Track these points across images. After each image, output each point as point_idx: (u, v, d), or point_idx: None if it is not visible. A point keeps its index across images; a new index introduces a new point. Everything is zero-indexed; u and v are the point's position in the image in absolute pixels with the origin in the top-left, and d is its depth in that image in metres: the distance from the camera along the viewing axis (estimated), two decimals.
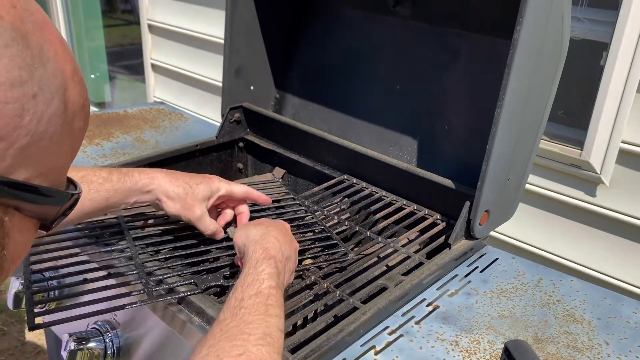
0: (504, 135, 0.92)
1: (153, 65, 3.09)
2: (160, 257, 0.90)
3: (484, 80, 1.12)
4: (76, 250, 0.89)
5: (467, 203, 0.98)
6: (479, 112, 1.12)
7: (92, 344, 0.88)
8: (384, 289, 0.91)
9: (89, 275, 0.84)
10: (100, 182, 0.85)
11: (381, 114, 1.29)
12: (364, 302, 0.86)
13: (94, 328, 0.90)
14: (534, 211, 1.76)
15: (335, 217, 1.09)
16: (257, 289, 0.68)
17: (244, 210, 0.99)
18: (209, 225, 0.92)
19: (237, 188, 0.97)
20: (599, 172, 1.56)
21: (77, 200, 0.45)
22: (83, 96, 0.42)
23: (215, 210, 0.98)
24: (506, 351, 0.66)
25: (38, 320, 0.74)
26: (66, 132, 0.40)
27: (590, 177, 1.59)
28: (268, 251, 0.76)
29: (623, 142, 1.51)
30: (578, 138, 1.60)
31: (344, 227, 1.08)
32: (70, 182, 0.45)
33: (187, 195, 0.89)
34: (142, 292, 0.81)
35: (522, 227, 1.77)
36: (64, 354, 0.85)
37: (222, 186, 0.94)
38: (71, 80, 0.40)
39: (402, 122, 1.25)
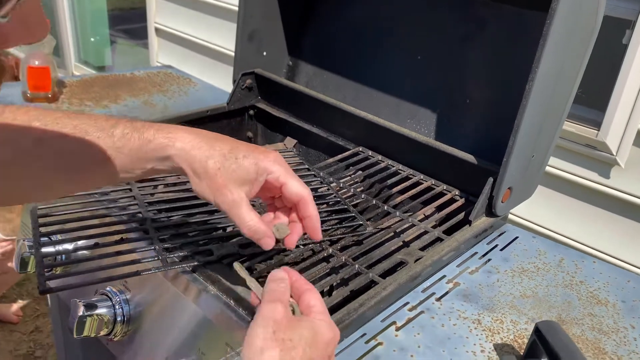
0: (533, 110, 0.89)
1: (157, 30, 3.02)
2: (174, 224, 0.87)
3: (509, 53, 1.08)
4: (86, 214, 0.86)
5: (490, 179, 0.95)
6: (503, 86, 1.08)
7: (101, 310, 0.85)
8: (401, 264, 0.89)
9: (100, 240, 0.82)
10: (98, 135, 0.61)
11: (399, 85, 1.25)
12: (382, 276, 0.83)
13: (103, 294, 0.88)
14: (544, 191, 1.73)
15: (352, 189, 1.06)
16: None
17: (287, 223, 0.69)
18: (247, 220, 0.63)
19: (296, 184, 0.65)
20: (614, 153, 1.54)
21: None
22: None
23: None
24: (537, 332, 0.64)
25: (49, 284, 0.72)
26: None
27: (605, 159, 1.56)
28: None
29: None
30: (595, 118, 1.57)
31: (360, 200, 1.05)
32: None
33: (219, 171, 0.62)
34: (155, 259, 0.78)
35: (532, 207, 1.75)
36: (73, 320, 0.83)
37: (276, 169, 0.64)
38: None
39: (421, 94, 1.21)
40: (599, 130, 1.54)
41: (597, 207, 1.64)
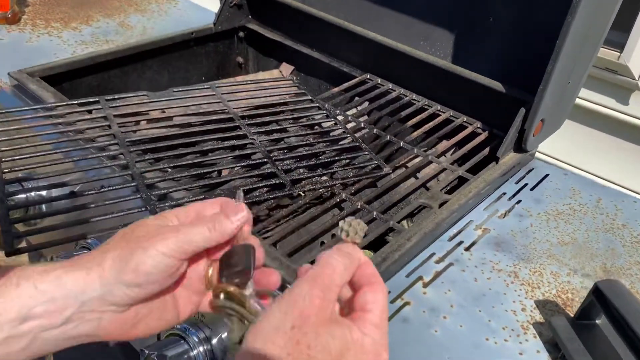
0: (576, 29, 0.76)
1: None
2: (161, 167, 0.75)
3: None
4: (59, 156, 0.74)
5: (522, 110, 0.84)
6: (533, 2, 0.94)
7: None
8: (423, 208, 0.79)
9: (77, 188, 0.70)
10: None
11: (410, 1, 1.10)
12: (401, 222, 0.74)
13: (84, 247, 0.77)
14: None
15: (362, 124, 0.94)
16: None
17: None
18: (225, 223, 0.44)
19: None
20: (636, 77, 1.42)
21: None
22: None
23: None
24: (596, 292, 0.55)
25: (18, 243, 0.61)
26: None
27: (625, 83, 1.45)
28: None
29: None
30: (617, 40, 1.44)
31: (370, 135, 0.93)
32: None
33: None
34: (143, 209, 0.67)
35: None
36: None
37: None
38: None
39: (436, 11, 1.06)
40: (621, 53, 1.41)
41: (613, 135, 1.54)
